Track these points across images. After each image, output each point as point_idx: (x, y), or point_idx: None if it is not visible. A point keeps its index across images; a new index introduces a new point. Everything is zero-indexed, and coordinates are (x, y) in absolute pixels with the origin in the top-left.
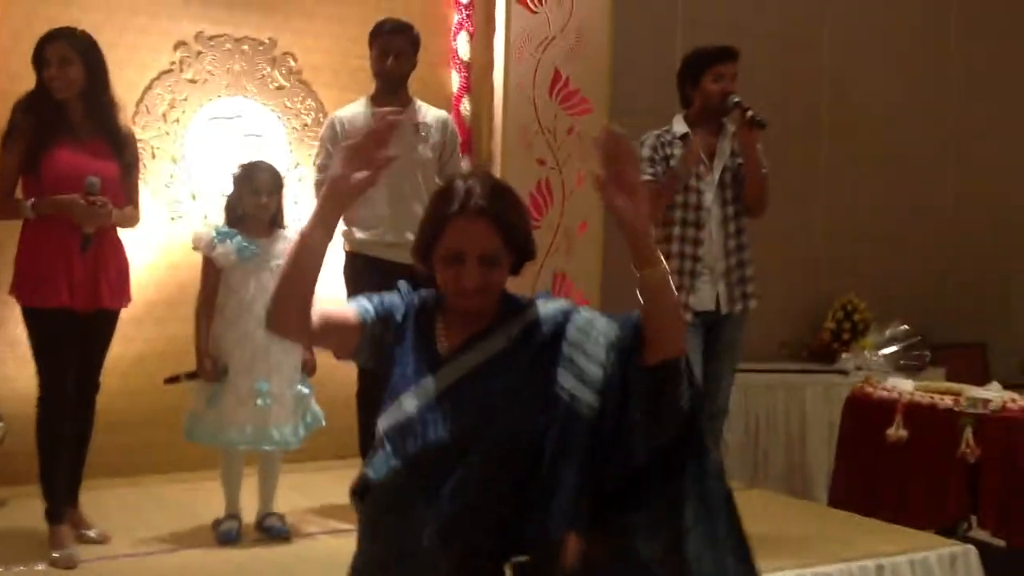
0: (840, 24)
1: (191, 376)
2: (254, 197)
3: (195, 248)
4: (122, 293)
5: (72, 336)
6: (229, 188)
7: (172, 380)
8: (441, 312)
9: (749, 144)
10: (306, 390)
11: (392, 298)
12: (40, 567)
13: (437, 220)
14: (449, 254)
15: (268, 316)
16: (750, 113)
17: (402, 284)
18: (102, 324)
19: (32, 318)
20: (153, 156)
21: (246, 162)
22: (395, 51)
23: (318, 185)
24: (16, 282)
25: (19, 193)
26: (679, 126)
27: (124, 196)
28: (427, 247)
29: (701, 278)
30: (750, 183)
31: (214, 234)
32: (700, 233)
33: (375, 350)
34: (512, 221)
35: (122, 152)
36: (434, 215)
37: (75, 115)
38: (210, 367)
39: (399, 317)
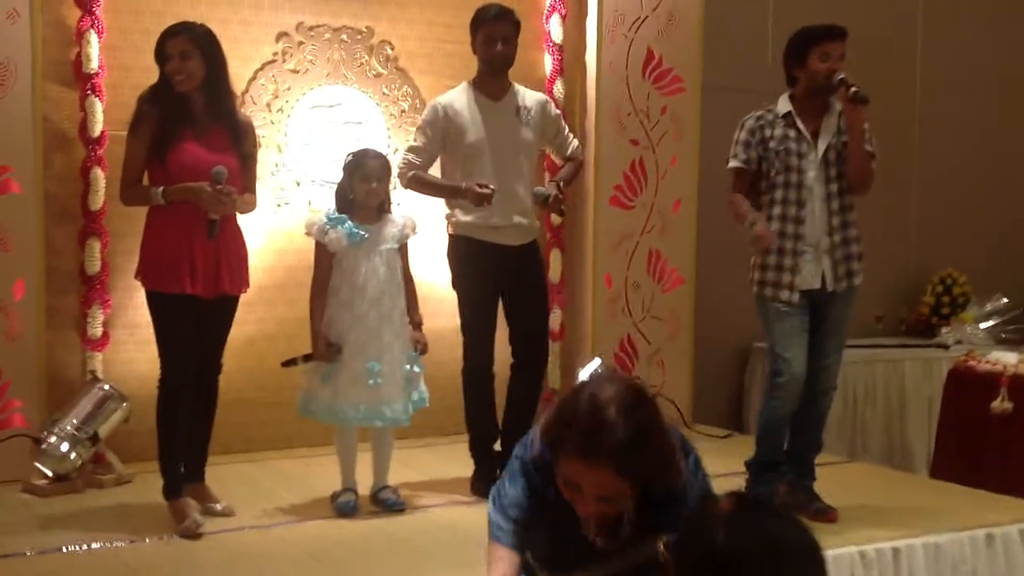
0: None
1: (307, 358)
2: (364, 184)
3: (307, 234)
4: (241, 279)
5: (193, 321)
6: (338, 176)
7: (289, 363)
8: None
9: (854, 122)
10: (417, 369)
11: (520, 488)
12: (170, 539)
13: (556, 445)
14: (567, 481)
15: None
16: (853, 89)
17: (520, 458)
18: (223, 309)
19: (156, 302)
20: (259, 145)
21: (356, 150)
22: (501, 37)
23: (406, 165)
24: (142, 267)
25: (145, 181)
26: (783, 105)
27: (243, 185)
28: (550, 451)
29: (804, 256)
30: (853, 161)
31: (325, 220)
32: (802, 211)
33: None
34: (640, 470)
35: (240, 142)
36: (554, 435)
37: (196, 107)
38: (324, 348)
39: (530, 500)
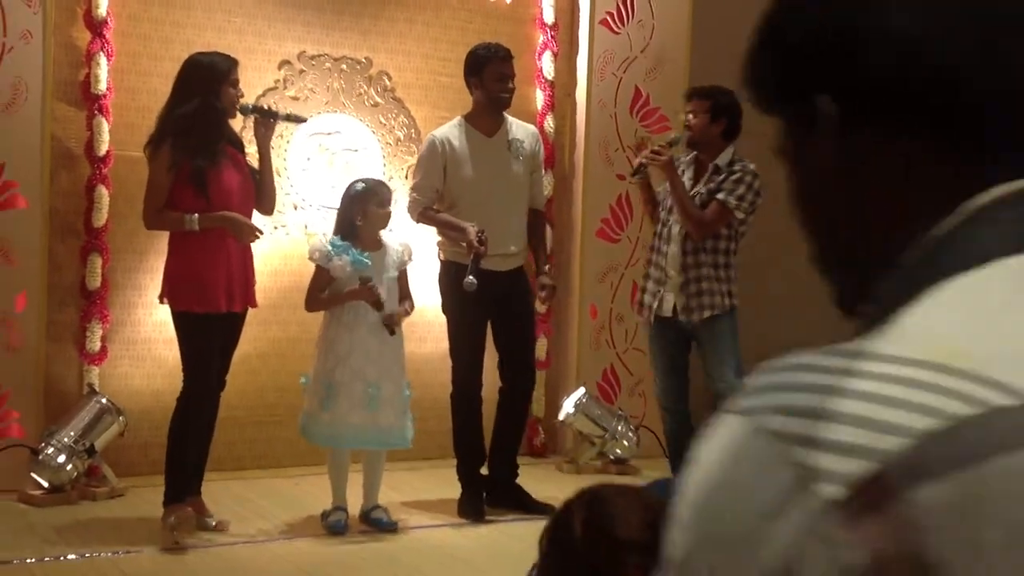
0: None
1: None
2: (381, 209)
3: (311, 259)
4: (254, 292)
5: (220, 336)
6: (336, 201)
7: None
8: None
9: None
10: (407, 392)
11: None
12: (165, 549)
13: None
14: None
15: None
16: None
17: None
18: (240, 323)
19: (188, 321)
20: None
21: (364, 179)
22: (511, 76)
23: (413, 203)
24: (171, 289)
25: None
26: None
27: (265, 197)
28: None
29: (665, 286)
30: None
31: (330, 248)
32: (664, 247)
33: None
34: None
35: (246, 156)
36: None
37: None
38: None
39: None
